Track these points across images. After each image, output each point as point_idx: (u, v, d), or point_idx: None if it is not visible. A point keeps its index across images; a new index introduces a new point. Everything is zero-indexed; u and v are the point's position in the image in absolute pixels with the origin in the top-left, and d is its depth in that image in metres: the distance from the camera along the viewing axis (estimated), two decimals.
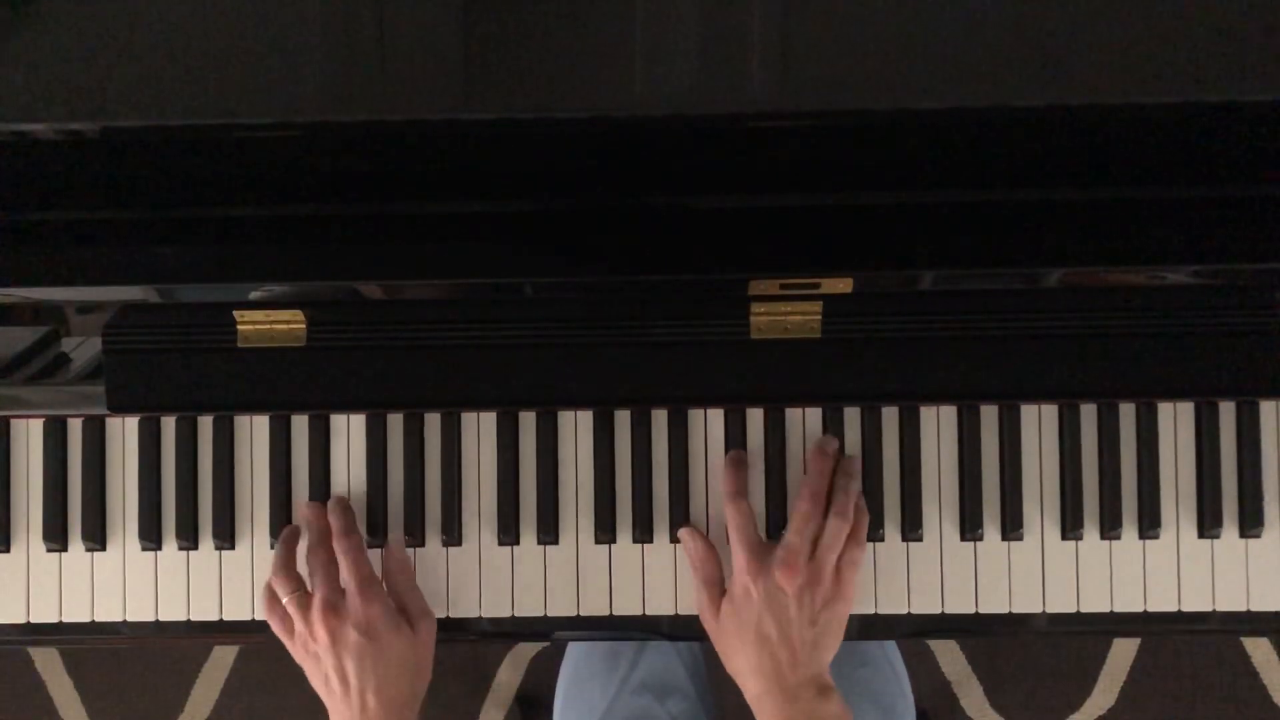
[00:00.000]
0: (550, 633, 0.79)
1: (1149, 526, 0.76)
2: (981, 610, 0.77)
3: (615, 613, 0.78)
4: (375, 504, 0.78)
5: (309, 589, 0.74)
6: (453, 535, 0.78)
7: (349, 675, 0.71)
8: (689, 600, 0.78)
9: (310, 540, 0.75)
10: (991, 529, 0.77)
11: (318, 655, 0.72)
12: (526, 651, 1.48)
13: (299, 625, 0.73)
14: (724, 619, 0.73)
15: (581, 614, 0.78)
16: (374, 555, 0.77)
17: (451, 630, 0.78)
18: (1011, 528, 0.77)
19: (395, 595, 0.75)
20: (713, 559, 0.76)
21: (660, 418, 0.78)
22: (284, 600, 0.74)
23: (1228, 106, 0.62)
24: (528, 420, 0.78)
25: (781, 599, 0.70)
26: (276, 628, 0.75)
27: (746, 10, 0.62)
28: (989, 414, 0.77)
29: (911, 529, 0.77)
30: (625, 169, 0.68)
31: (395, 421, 0.79)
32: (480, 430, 0.78)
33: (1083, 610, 0.77)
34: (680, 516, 0.77)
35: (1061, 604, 0.77)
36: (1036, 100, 0.62)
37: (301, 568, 0.76)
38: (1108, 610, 0.77)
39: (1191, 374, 0.75)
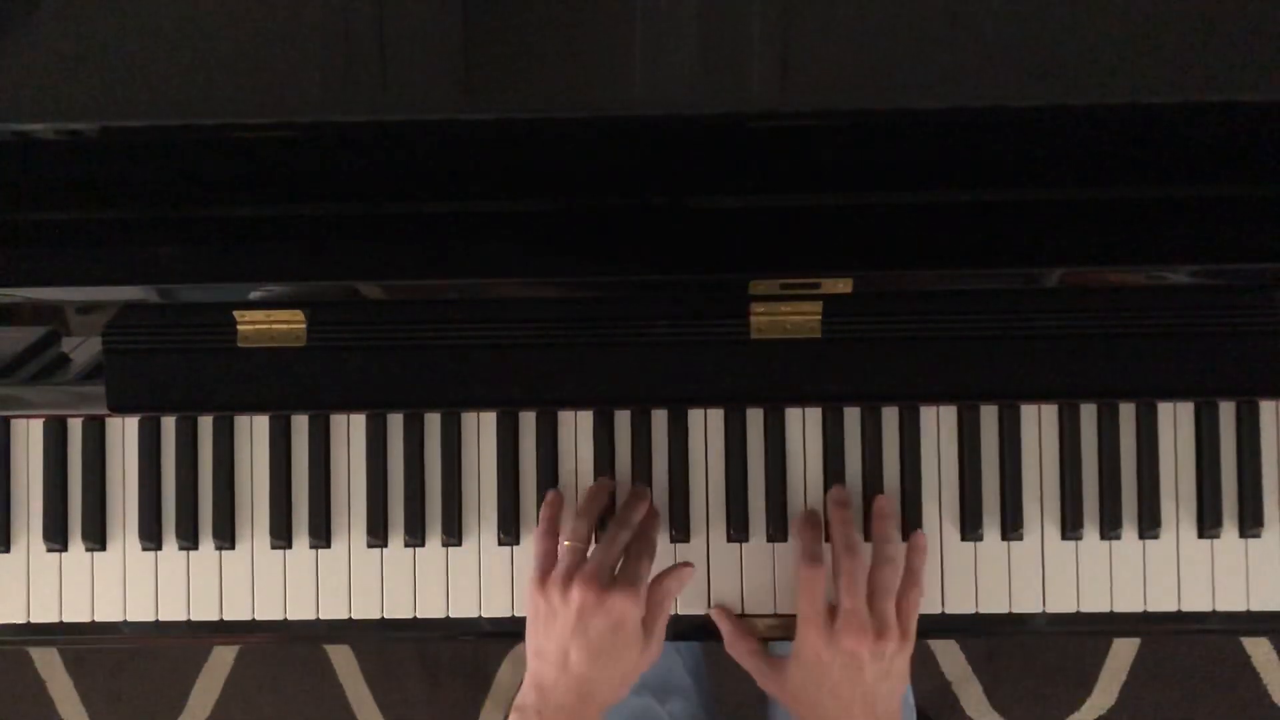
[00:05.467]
0: None
1: (1149, 526, 0.76)
2: (981, 610, 0.77)
3: None
4: (375, 504, 0.78)
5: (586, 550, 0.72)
6: (453, 535, 0.78)
7: (569, 656, 0.69)
8: (688, 601, 0.78)
9: (619, 516, 0.74)
10: (991, 529, 0.77)
11: (555, 613, 0.70)
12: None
13: (559, 574, 0.70)
14: (794, 680, 0.72)
15: None
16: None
17: (451, 630, 0.79)
18: (1011, 528, 0.77)
19: (651, 610, 0.73)
20: (751, 640, 0.76)
21: (660, 418, 0.78)
22: (565, 542, 0.72)
23: (1228, 106, 0.62)
24: (528, 420, 0.79)
25: (855, 662, 0.70)
26: (536, 558, 0.73)
27: (746, 10, 0.62)
28: (989, 414, 0.77)
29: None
30: (625, 169, 0.68)
31: (395, 421, 0.79)
32: (480, 430, 0.78)
33: (1083, 610, 0.77)
34: (679, 516, 0.78)
35: (1061, 604, 0.77)
36: (1036, 100, 0.62)
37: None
38: (1108, 610, 0.77)
39: (1191, 374, 0.75)
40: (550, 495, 0.76)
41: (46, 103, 0.62)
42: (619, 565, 0.72)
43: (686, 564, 0.76)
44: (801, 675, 0.72)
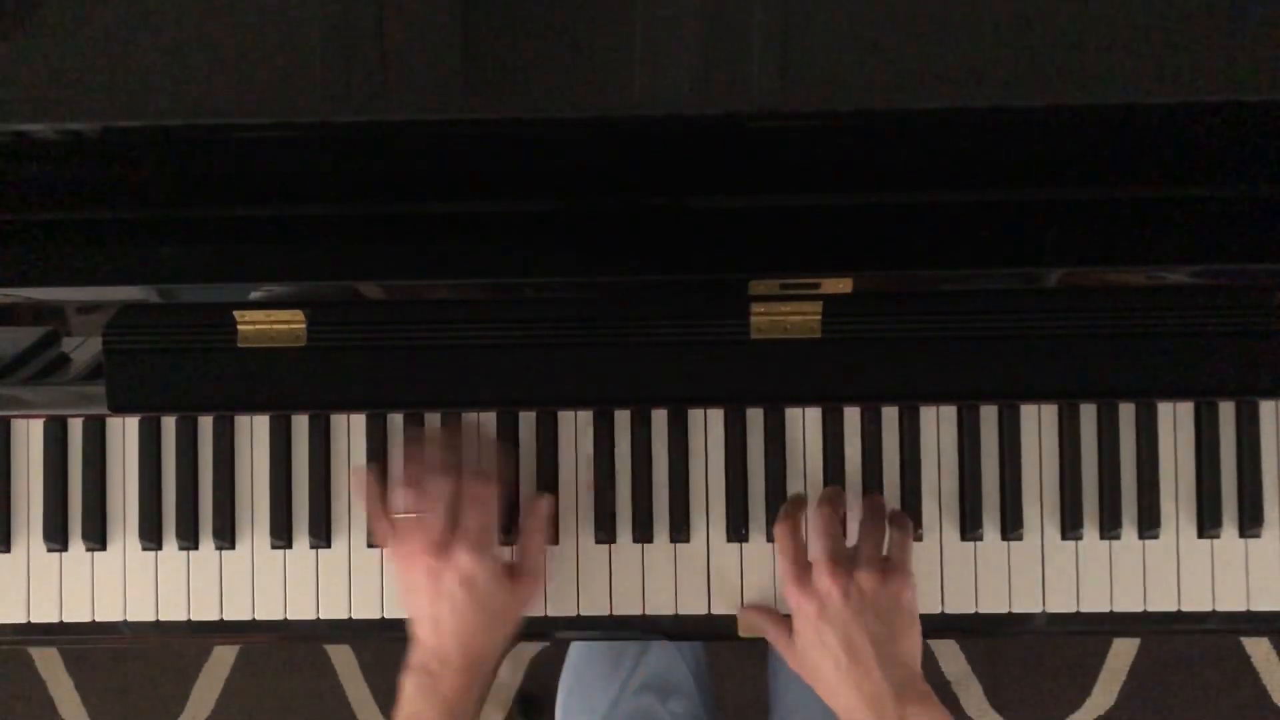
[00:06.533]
0: (551, 632, 0.79)
1: (1148, 526, 0.76)
2: (981, 610, 0.77)
3: (615, 612, 0.78)
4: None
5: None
6: None
7: (439, 618, 0.70)
8: (689, 600, 0.78)
9: (427, 463, 0.73)
10: (991, 529, 0.77)
11: (414, 585, 0.71)
12: (526, 651, 1.48)
13: (400, 547, 0.71)
14: (800, 649, 0.72)
15: (581, 614, 0.78)
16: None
17: None
18: (1011, 528, 0.77)
19: (523, 549, 0.73)
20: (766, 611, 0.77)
21: (660, 418, 0.78)
22: (396, 516, 0.72)
23: (1228, 106, 0.62)
24: (528, 420, 0.78)
25: (832, 602, 0.69)
26: (378, 535, 0.74)
27: (746, 10, 0.62)
28: (989, 414, 0.77)
29: (912, 529, 0.77)
30: (625, 169, 0.68)
31: (395, 421, 0.79)
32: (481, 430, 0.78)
33: (1082, 610, 0.77)
34: (679, 516, 0.78)
35: (1061, 604, 0.77)
36: (1036, 100, 0.62)
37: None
38: (1107, 610, 0.77)
39: (1191, 374, 0.75)
40: (355, 473, 0.76)
41: (46, 103, 0.62)
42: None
43: (543, 496, 0.76)
44: (800, 639, 0.72)
